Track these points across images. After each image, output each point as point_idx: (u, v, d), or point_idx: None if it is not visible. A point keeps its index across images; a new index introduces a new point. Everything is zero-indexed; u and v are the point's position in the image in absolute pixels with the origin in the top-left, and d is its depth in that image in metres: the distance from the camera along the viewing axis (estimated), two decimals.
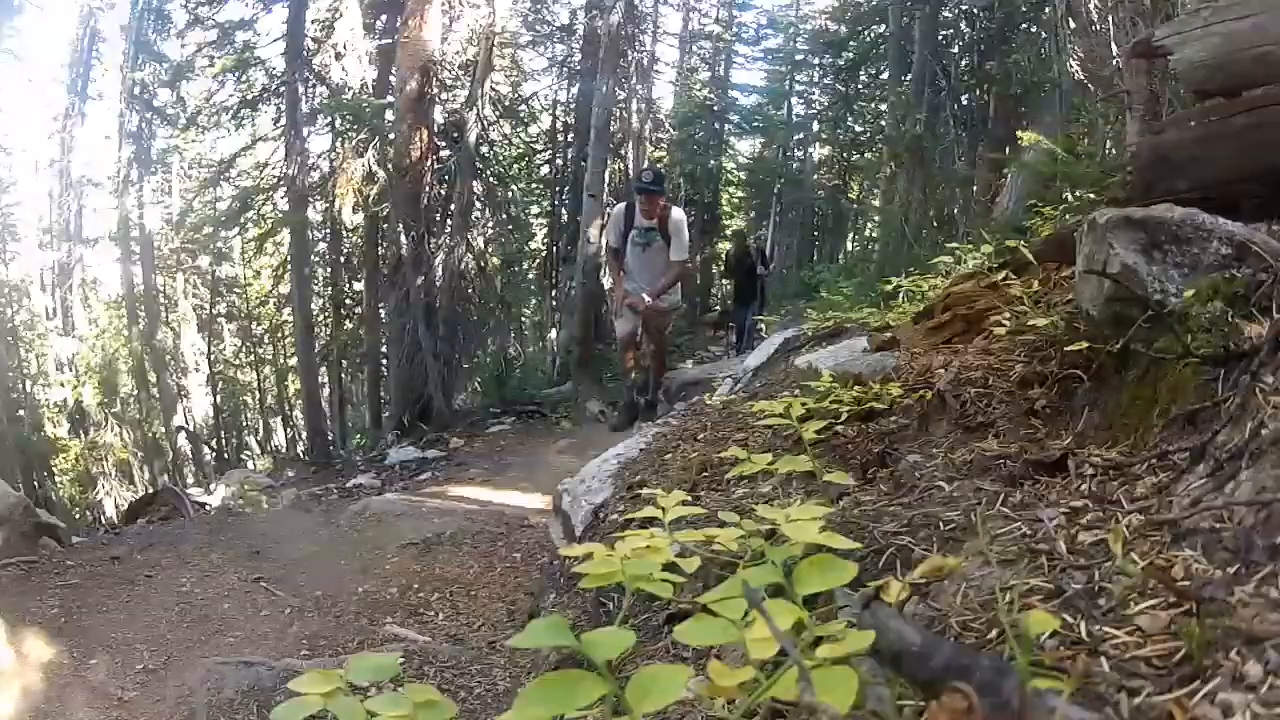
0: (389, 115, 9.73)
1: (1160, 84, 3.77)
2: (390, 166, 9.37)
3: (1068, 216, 3.56)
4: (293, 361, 14.77)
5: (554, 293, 15.00)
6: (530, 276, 14.26)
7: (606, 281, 8.10)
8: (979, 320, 2.00)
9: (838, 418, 1.70)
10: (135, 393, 15.64)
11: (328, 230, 11.66)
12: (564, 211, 15.20)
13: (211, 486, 7.27)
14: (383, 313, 10.81)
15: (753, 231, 20.84)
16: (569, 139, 15.01)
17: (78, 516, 12.49)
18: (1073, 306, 1.51)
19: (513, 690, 1.83)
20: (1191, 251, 1.26)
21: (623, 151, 14.45)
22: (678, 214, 5.37)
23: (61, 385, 15.02)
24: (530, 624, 0.62)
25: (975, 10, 11.88)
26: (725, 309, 13.99)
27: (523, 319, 15.48)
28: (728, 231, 16.73)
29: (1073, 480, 1.06)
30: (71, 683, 2.16)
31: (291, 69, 9.76)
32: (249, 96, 11.13)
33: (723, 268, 12.26)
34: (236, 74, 11.07)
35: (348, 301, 12.50)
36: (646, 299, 5.36)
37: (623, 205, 5.52)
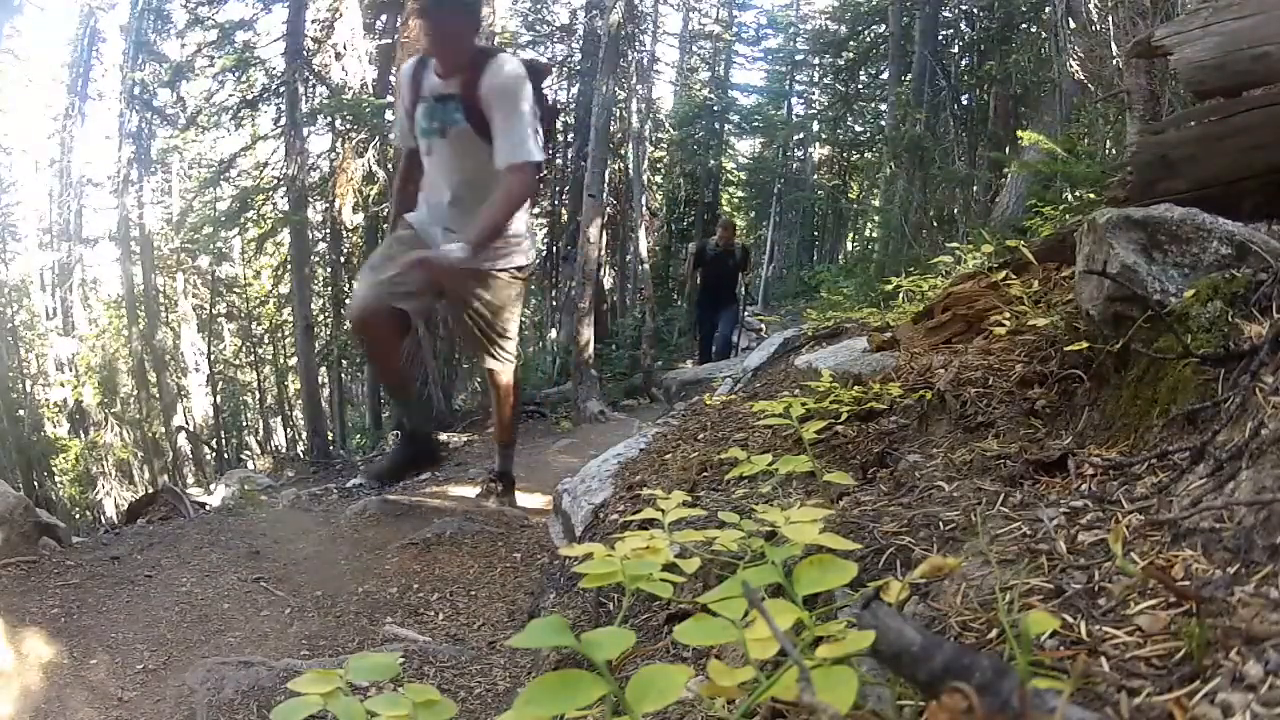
0: (389, 115, 9.74)
1: (1160, 84, 3.78)
2: (390, 166, 9.38)
3: (1068, 216, 3.57)
4: (293, 361, 14.79)
5: (554, 293, 15.02)
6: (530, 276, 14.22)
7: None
8: (979, 320, 2.00)
9: (838, 418, 1.70)
10: (135, 393, 15.67)
11: (328, 230, 11.67)
12: (564, 211, 15.24)
13: (211, 486, 7.27)
14: None
15: (754, 230, 20.89)
16: (569, 139, 15.02)
17: (78, 516, 12.50)
18: (1073, 306, 1.51)
19: (513, 690, 1.83)
20: (1191, 251, 1.26)
21: (623, 151, 14.46)
22: (506, 66, 2.64)
23: (61, 385, 15.04)
24: (530, 624, 0.62)
25: (975, 10, 11.90)
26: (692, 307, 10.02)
27: (523, 319, 15.48)
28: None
29: (1073, 480, 1.06)
30: (71, 683, 2.16)
31: (291, 69, 9.77)
32: (249, 96, 11.15)
33: (693, 256, 8.78)
34: (236, 74, 11.09)
35: (348, 301, 12.49)
36: (453, 251, 2.53)
37: (412, 60, 2.88)
